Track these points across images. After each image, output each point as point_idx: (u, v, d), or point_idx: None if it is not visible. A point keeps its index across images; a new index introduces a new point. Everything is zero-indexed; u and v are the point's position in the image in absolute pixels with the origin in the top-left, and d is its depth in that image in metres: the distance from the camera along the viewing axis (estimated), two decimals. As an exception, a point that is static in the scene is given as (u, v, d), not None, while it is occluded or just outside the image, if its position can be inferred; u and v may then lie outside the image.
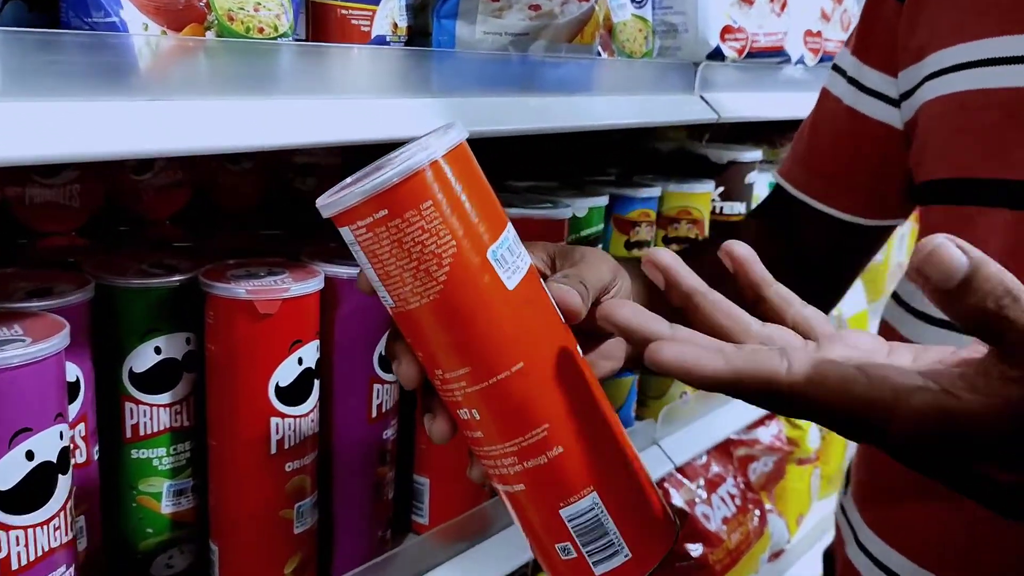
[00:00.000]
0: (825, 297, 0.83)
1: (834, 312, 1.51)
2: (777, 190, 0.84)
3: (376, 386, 0.74)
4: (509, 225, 0.44)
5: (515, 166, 1.12)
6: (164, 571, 0.71)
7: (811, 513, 1.55)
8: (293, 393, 0.67)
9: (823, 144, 0.79)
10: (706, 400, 1.17)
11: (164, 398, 0.67)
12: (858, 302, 1.52)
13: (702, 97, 0.99)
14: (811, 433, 1.52)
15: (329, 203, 0.41)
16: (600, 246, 0.98)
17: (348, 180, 0.43)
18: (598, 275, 0.50)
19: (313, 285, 0.67)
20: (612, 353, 0.52)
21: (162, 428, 0.68)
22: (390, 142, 0.64)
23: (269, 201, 0.94)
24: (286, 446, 0.67)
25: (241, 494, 0.68)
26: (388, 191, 0.40)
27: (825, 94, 0.79)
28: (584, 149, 1.30)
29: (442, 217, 0.41)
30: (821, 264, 0.81)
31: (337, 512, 0.75)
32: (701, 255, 0.70)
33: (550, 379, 0.44)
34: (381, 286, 0.43)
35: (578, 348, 0.46)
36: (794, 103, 1.16)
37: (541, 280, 0.46)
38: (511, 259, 0.43)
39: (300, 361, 0.67)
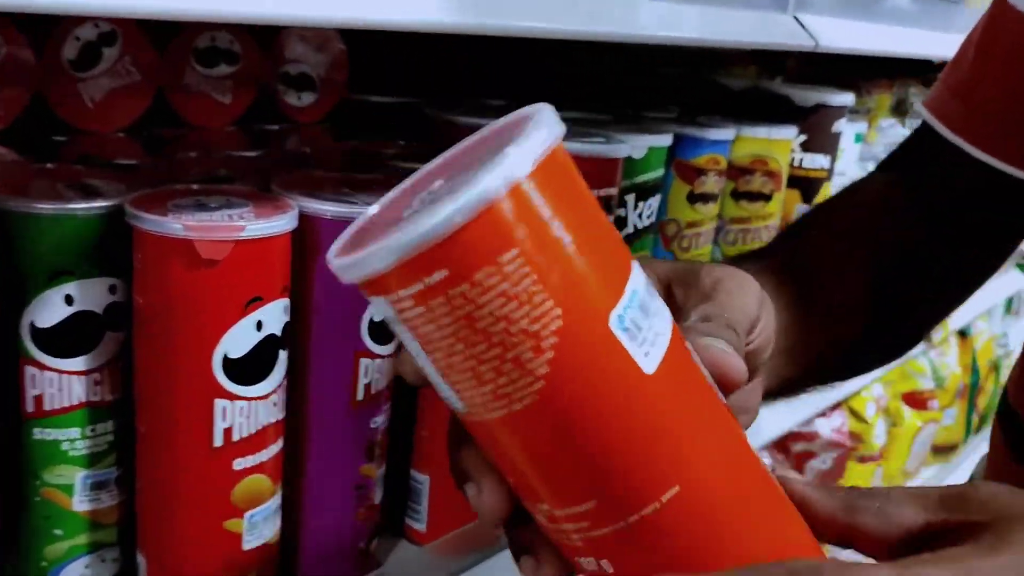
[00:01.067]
0: (979, 271, 0.66)
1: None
2: (921, 130, 0.65)
3: (364, 361, 0.56)
4: (635, 268, 0.29)
5: (556, 95, 0.93)
6: (78, 583, 0.55)
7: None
8: (248, 368, 0.50)
9: (995, 73, 0.60)
10: (767, 388, 0.99)
11: (77, 363, 0.50)
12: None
13: (796, 18, 0.79)
14: (877, 428, 1.34)
15: (349, 264, 0.26)
16: (658, 196, 0.79)
17: (374, 210, 0.30)
18: (745, 312, 0.36)
19: (281, 224, 0.50)
20: (749, 404, 0.38)
21: (75, 403, 0.51)
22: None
23: (251, 118, 0.76)
24: (235, 437, 0.51)
25: (173, 497, 0.51)
26: (444, 243, 0.25)
27: (1002, 6, 0.59)
28: (639, 82, 1.11)
29: (536, 273, 0.26)
30: (975, 229, 0.63)
31: (307, 522, 0.58)
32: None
33: (720, 503, 0.29)
34: (443, 384, 0.28)
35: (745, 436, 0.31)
36: (902, 39, 0.96)
37: (687, 343, 0.31)
38: (645, 323, 0.28)
39: (259, 326, 0.50)
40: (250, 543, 0.53)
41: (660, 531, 0.29)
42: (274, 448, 0.53)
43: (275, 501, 0.55)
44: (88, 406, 0.51)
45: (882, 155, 1.24)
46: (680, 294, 0.38)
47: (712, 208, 0.85)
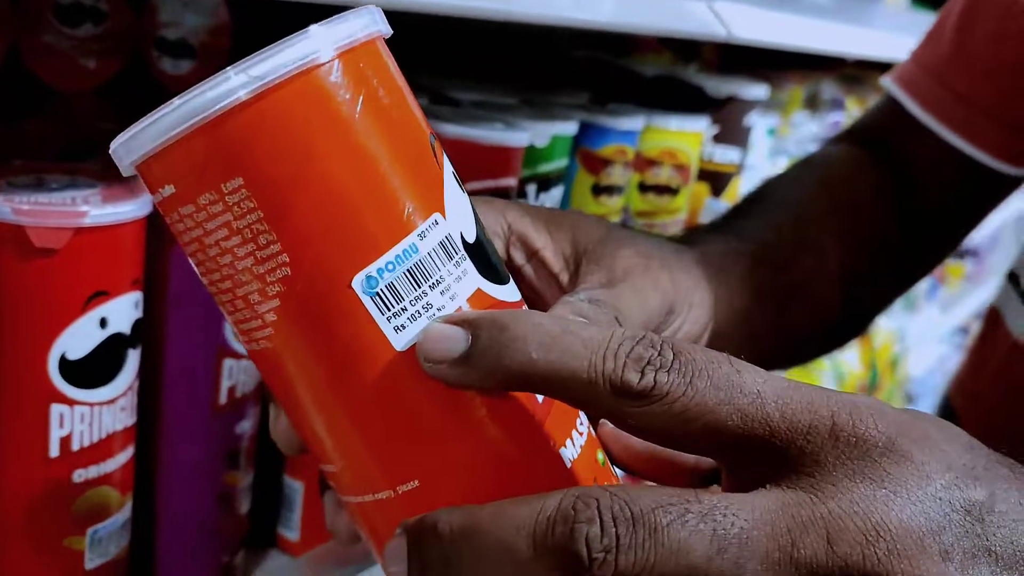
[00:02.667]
0: (932, 256, 0.66)
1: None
2: (888, 104, 0.62)
3: (229, 362, 0.51)
4: (435, 221, 0.25)
5: (461, 75, 0.88)
6: None
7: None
8: (90, 369, 0.44)
9: (976, 49, 0.57)
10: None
11: None
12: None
13: (710, 7, 0.76)
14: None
15: (116, 146, 0.26)
16: (561, 187, 0.75)
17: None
18: (642, 311, 0.34)
19: (131, 210, 0.44)
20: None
21: None
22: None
23: (119, 85, 0.69)
24: (75, 446, 0.45)
25: (4, 510, 0.45)
26: (170, 151, 0.24)
27: None
28: (548, 64, 1.07)
29: (263, 210, 0.24)
30: (935, 211, 0.62)
31: (162, 536, 0.53)
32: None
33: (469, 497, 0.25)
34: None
35: (567, 449, 0.27)
36: (818, 33, 0.94)
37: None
38: (411, 293, 0.25)
39: (103, 323, 0.44)
40: (93, 561, 0.48)
41: (388, 516, 0.26)
42: (122, 457, 0.48)
43: (123, 515, 0.49)
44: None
45: (794, 150, 1.23)
46: (587, 268, 0.35)
47: (617, 201, 0.81)
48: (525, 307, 0.29)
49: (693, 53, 1.21)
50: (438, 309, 0.25)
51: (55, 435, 0.44)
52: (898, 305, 1.85)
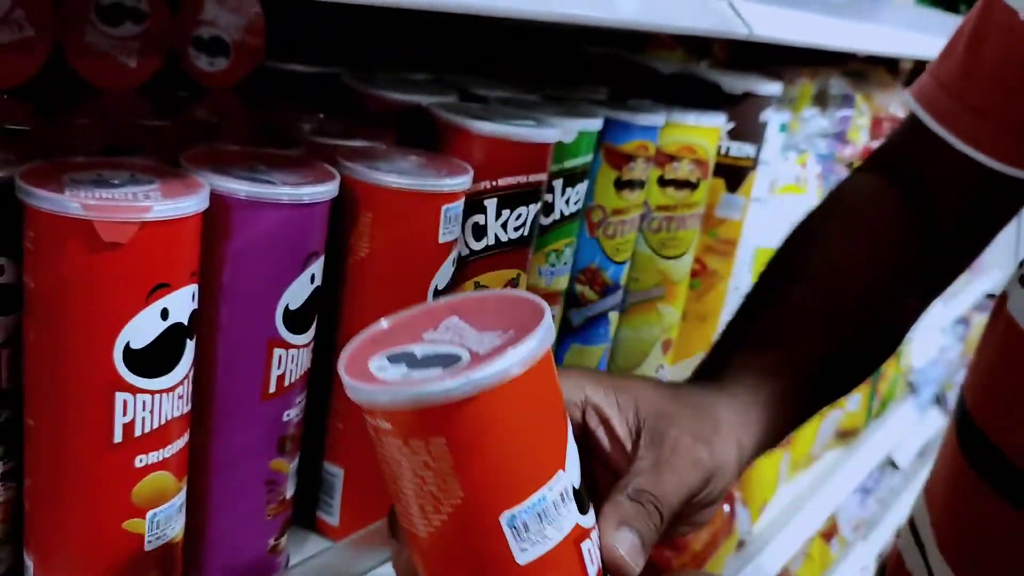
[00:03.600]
0: (958, 263, 0.68)
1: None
2: (909, 121, 0.66)
3: (278, 351, 0.53)
4: (560, 477, 0.37)
5: (481, 72, 0.90)
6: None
7: (776, 498, 1.40)
8: (152, 359, 0.46)
9: (984, 67, 0.60)
10: (686, 375, 0.99)
11: (-42, 350, 0.46)
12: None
13: (731, 5, 0.78)
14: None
15: (352, 389, 0.36)
16: (586, 182, 0.77)
17: (384, 324, 0.41)
18: (681, 486, 0.45)
19: (191, 205, 0.45)
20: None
21: (-49, 393, 0.47)
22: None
23: (158, 83, 0.70)
24: (137, 432, 0.46)
25: (67, 495, 0.47)
26: (397, 410, 0.35)
27: (992, 2, 0.60)
28: (566, 61, 1.09)
29: (452, 461, 0.35)
30: (956, 223, 0.64)
31: (214, 518, 0.55)
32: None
33: None
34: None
35: None
36: (831, 30, 0.96)
37: (583, 546, 0.38)
38: (537, 527, 0.36)
39: (164, 314, 0.46)
40: (152, 543, 0.49)
41: None
42: (179, 443, 0.50)
43: (179, 499, 0.51)
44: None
45: (803, 145, 1.25)
46: (645, 448, 0.45)
47: (639, 195, 0.83)
48: (596, 529, 0.41)
49: (705, 50, 1.23)
50: (549, 538, 0.36)
51: (119, 421, 0.46)
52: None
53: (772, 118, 1.00)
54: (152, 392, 0.46)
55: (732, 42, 1.28)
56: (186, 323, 0.47)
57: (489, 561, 0.36)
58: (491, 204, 0.66)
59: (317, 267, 0.53)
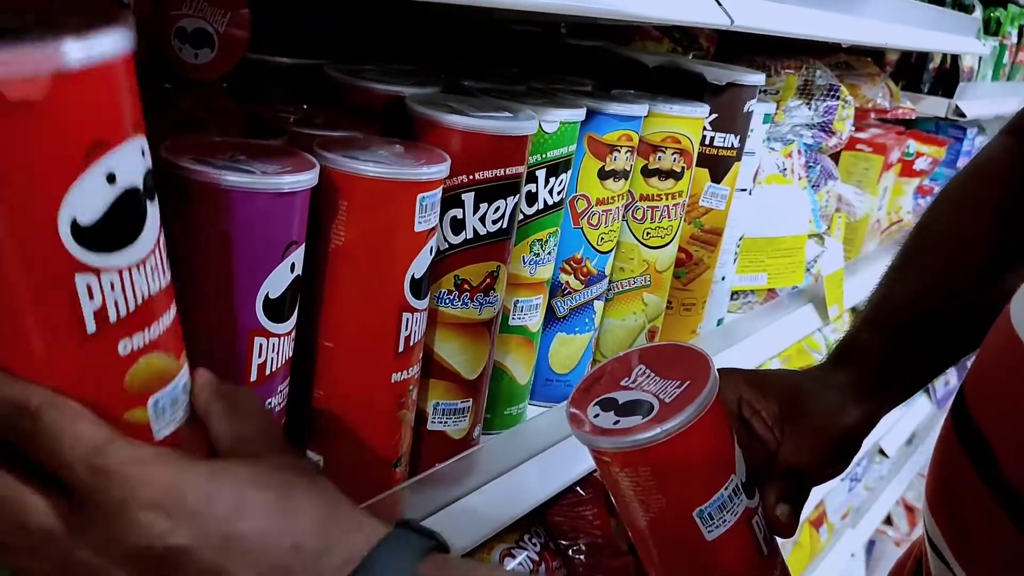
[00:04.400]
0: None
1: (812, 270, 1.35)
2: None
3: (259, 340, 0.53)
4: (732, 478, 0.52)
5: (465, 64, 0.90)
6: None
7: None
8: (108, 232, 0.38)
9: None
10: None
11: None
12: (836, 261, 1.36)
13: (712, -4, 0.78)
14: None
15: (577, 435, 0.52)
16: (570, 171, 0.78)
17: (592, 377, 0.56)
18: (819, 460, 0.62)
19: (114, 43, 0.36)
20: None
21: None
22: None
23: (140, 74, 0.71)
24: (112, 317, 0.39)
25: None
26: (616, 453, 0.51)
27: None
28: (551, 53, 1.09)
29: (656, 480, 0.50)
30: None
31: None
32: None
33: None
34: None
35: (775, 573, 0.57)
36: (814, 21, 0.96)
37: (752, 521, 0.54)
38: (719, 515, 0.52)
39: (111, 179, 0.38)
40: (161, 431, 0.43)
41: None
42: (166, 320, 0.43)
43: (182, 378, 0.45)
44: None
45: (789, 136, 1.25)
46: (786, 436, 0.61)
47: (623, 185, 0.84)
48: (760, 505, 0.56)
49: (692, 41, 1.23)
50: (727, 521, 0.52)
51: (88, 308, 0.38)
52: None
53: (756, 109, 1.00)
54: (118, 269, 0.39)
55: (719, 35, 1.29)
56: (140, 186, 0.39)
57: (686, 540, 0.52)
58: (468, 198, 0.66)
59: (297, 256, 0.54)
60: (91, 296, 0.38)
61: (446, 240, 0.66)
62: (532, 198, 0.75)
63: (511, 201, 0.68)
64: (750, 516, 0.54)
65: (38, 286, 0.37)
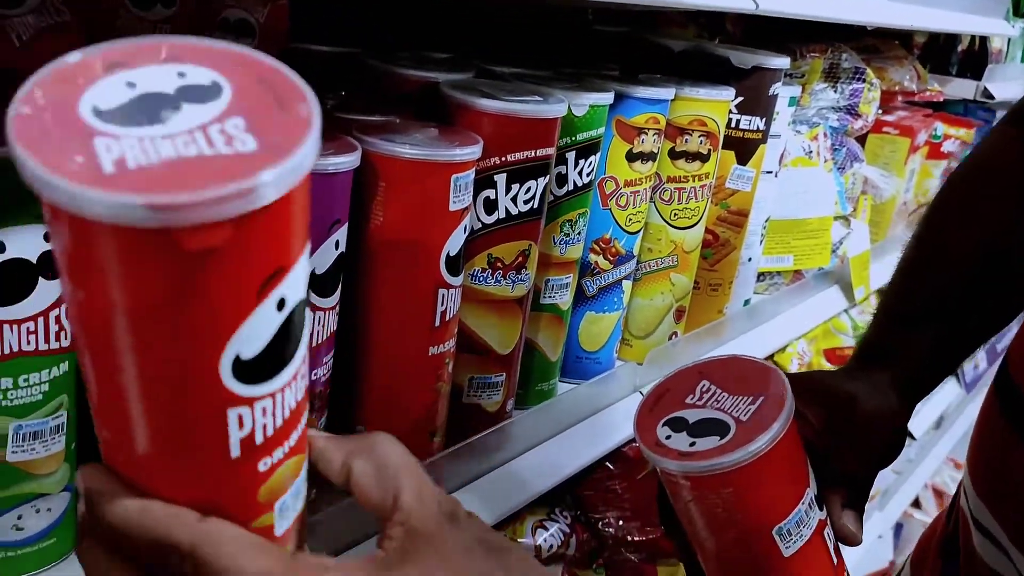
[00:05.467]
0: None
1: (839, 252, 1.36)
2: None
3: (307, 313, 0.56)
4: (807, 493, 0.52)
5: (496, 51, 0.93)
6: (11, 533, 0.54)
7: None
8: (267, 360, 0.33)
9: None
10: (698, 343, 1.02)
11: (9, 312, 0.49)
12: (862, 242, 1.38)
13: (737, -19, 0.80)
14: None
15: (653, 459, 0.51)
16: (599, 154, 0.80)
17: (664, 380, 0.57)
18: (870, 456, 0.63)
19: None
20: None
21: (6, 352, 0.50)
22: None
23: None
24: (259, 440, 0.34)
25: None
26: (698, 476, 0.50)
27: None
28: (578, 40, 1.11)
29: (735, 502, 0.50)
30: None
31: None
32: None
33: None
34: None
35: None
36: (840, 4, 0.97)
37: (824, 533, 0.54)
38: (796, 530, 0.51)
39: (281, 304, 0.34)
40: (282, 527, 0.39)
41: None
42: (301, 425, 0.38)
43: (303, 472, 0.39)
44: (21, 356, 0.50)
45: (815, 119, 1.27)
46: (834, 428, 0.61)
47: (650, 167, 0.86)
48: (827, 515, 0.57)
49: (718, 26, 1.25)
50: (804, 536, 0.52)
51: (235, 437, 0.34)
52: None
53: (781, 92, 1.02)
54: (272, 394, 0.34)
55: (744, 19, 1.30)
56: (304, 298, 0.35)
57: (764, 559, 0.51)
58: (501, 179, 0.69)
59: (341, 234, 0.57)
60: (241, 426, 0.34)
61: (479, 220, 0.69)
62: (562, 180, 0.77)
63: (542, 182, 0.70)
64: (823, 528, 0.54)
65: (189, 423, 0.33)
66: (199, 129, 0.28)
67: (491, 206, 0.69)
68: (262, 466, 0.36)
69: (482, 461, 0.75)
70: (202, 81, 0.29)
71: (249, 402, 0.33)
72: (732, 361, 0.55)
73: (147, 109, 0.28)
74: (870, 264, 1.40)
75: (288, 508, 0.39)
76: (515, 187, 0.69)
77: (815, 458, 0.59)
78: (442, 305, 0.65)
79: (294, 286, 0.32)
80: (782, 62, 0.98)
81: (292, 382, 0.35)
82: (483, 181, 0.67)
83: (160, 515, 0.33)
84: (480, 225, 0.69)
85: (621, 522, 0.97)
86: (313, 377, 0.59)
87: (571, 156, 0.77)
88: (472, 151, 0.62)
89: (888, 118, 1.50)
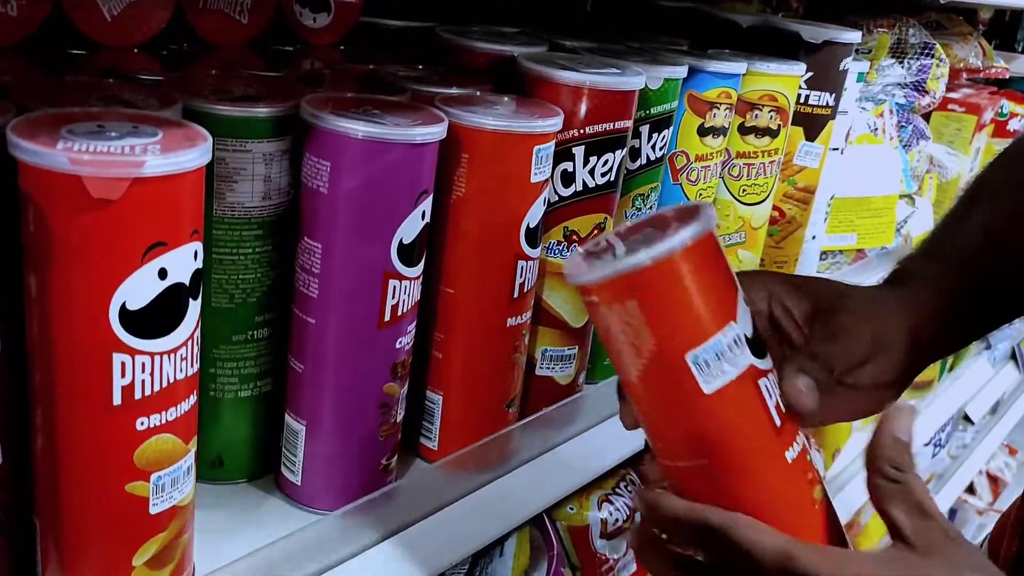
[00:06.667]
0: None
1: (903, 231, 1.35)
2: None
3: (392, 283, 0.57)
4: (731, 326, 0.45)
5: (565, 26, 0.93)
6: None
7: (849, 446, 1.42)
8: (151, 320, 0.44)
9: None
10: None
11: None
12: (926, 222, 1.36)
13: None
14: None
15: (567, 272, 0.47)
16: (671, 128, 0.80)
17: (606, 236, 0.48)
18: (849, 355, 0.54)
19: (191, 160, 0.43)
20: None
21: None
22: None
23: (265, 38, 0.75)
24: (138, 395, 0.45)
25: (68, 457, 0.46)
26: (600, 284, 0.44)
27: None
28: (644, 16, 1.11)
29: (643, 317, 0.44)
30: None
31: (332, 438, 0.60)
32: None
33: (735, 482, 0.46)
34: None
35: (791, 452, 0.48)
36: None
37: (760, 383, 0.46)
38: (716, 364, 0.45)
39: (163, 274, 0.44)
40: (157, 506, 0.48)
41: (691, 479, 0.47)
42: (184, 406, 0.48)
43: (186, 462, 0.49)
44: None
45: (881, 95, 1.25)
46: (817, 328, 0.55)
47: (721, 142, 0.86)
48: (775, 372, 0.49)
49: (781, 2, 1.23)
50: (726, 373, 0.45)
51: (117, 384, 0.44)
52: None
53: (851, 67, 1.00)
54: (152, 354, 0.44)
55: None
56: (187, 283, 0.45)
57: (682, 392, 0.45)
58: (579, 151, 0.69)
59: (427, 204, 0.57)
60: (123, 374, 0.44)
61: (556, 193, 0.69)
62: (635, 153, 0.77)
63: (619, 154, 0.70)
64: (757, 376, 0.46)
65: (81, 354, 0.44)
66: (131, 144, 0.42)
67: (568, 179, 0.69)
68: (139, 424, 0.45)
69: (554, 433, 0.76)
70: (147, 130, 0.45)
71: (131, 352, 0.44)
72: (677, 208, 0.49)
73: (104, 134, 0.43)
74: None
75: (165, 491, 0.48)
76: (593, 159, 0.69)
77: (785, 343, 0.55)
78: (521, 277, 0.65)
79: (177, 266, 0.44)
80: (853, 36, 0.97)
81: (172, 354, 0.45)
82: (561, 153, 0.68)
83: (699, 507, 0.46)
84: (557, 198, 0.70)
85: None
86: (397, 346, 0.59)
87: (645, 130, 0.77)
88: (554, 123, 0.62)
89: (954, 95, 1.47)
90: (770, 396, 0.47)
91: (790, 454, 0.47)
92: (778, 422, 0.47)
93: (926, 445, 1.81)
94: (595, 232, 0.72)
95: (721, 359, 0.45)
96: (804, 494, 0.48)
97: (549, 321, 0.73)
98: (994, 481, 2.49)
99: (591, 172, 0.69)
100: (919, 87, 1.24)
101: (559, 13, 1.01)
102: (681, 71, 0.77)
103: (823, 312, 0.55)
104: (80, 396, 0.44)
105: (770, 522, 0.46)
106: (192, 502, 0.51)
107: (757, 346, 0.47)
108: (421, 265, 0.59)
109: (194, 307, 0.46)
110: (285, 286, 0.59)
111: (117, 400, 0.44)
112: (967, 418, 1.99)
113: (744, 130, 0.90)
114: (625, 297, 0.44)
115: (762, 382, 0.47)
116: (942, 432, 1.89)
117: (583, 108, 0.68)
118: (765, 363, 0.48)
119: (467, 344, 0.66)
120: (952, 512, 2.32)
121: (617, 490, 0.93)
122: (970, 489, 2.37)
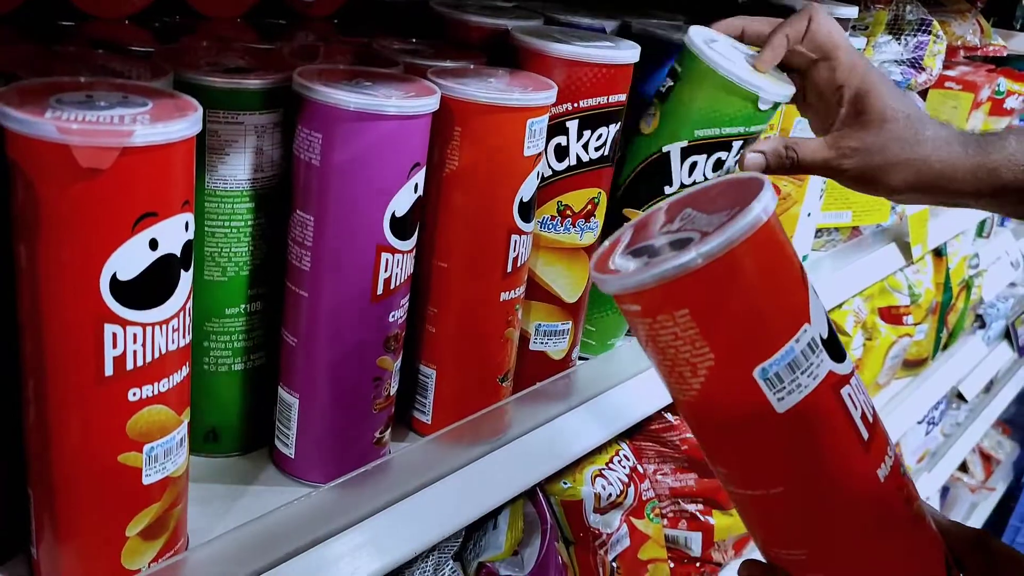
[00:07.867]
0: None
1: (897, 209, 1.34)
2: None
3: (385, 256, 0.57)
4: (805, 329, 0.38)
5: (558, 2, 0.92)
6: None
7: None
8: (142, 290, 0.44)
9: None
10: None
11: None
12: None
13: (810, -74, 0.79)
14: (855, 341, 1.37)
15: (598, 279, 0.40)
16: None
17: (629, 227, 0.43)
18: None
19: (180, 130, 0.43)
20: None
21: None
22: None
23: (258, 11, 0.74)
24: (130, 366, 0.45)
25: (61, 427, 0.46)
26: (642, 291, 0.37)
27: None
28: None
29: (698, 328, 0.37)
30: None
31: (326, 410, 0.60)
32: None
33: (818, 511, 0.41)
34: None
35: (882, 469, 0.41)
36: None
37: (842, 392, 0.40)
38: (789, 376, 0.38)
39: (153, 244, 0.44)
40: (150, 476, 0.48)
41: (765, 507, 0.42)
42: (177, 377, 0.48)
43: (179, 433, 0.49)
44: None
45: (877, 71, 1.24)
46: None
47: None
48: (856, 376, 0.42)
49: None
50: (804, 386, 0.38)
51: (109, 354, 0.44)
52: (972, 231, 1.86)
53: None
54: (143, 325, 0.44)
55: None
56: (179, 254, 0.45)
57: (750, 413, 0.38)
58: (572, 125, 0.69)
59: (420, 177, 0.57)
60: (115, 344, 0.44)
61: (550, 167, 0.69)
62: (718, 164, 0.76)
63: (613, 128, 0.70)
64: (838, 384, 0.39)
65: (72, 325, 0.43)
66: (121, 114, 0.42)
67: (562, 153, 0.69)
68: (131, 395, 0.45)
69: (548, 408, 0.76)
70: (137, 100, 0.44)
71: (123, 323, 0.44)
72: (721, 183, 0.42)
73: (93, 104, 0.43)
74: (928, 222, 1.38)
75: (158, 461, 0.48)
76: (587, 133, 0.69)
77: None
78: (514, 251, 0.65)
79: (168, 237, 0.44)
80: (849, 11, 0.97)
81: (164, 325, 0.45)
82: (555, 127, 0.67)
83: None
84: (550, 172, 0.69)
85: (678, 473, 0.98)
86: (391, 319, 0.59)
87: (737, 145, 0.76)
88: (547, 96, 0.62)
89: (950, 73, 1.46)
90: (855, 407, 0.40)
91: (882, 472, 0.41)
92: (866, 435, 0.40)
93: (919, 423, 1.81)
94: (589, 207, 0.72)
95: (795, 370, 0.38)
96: (901, 517, 0.42)
97: (543, 296, 0.74)
98: (987, 459, 2.51)
99: (585, 146, 0.69)
100: (916, 64, 1.23)
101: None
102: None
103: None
104: (72, 367, 0.44)
105: (862, 554, 0.41)
106: (186, 473, 0.51)
107: (834, 347, 0.40)
108: (414, 238, 0.59)
109: (185, 278, 0.46)
110: (278, 259, 0.59)
111: (109, 371, 0.44)
112: (961, 396, 2.00)
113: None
114: (674, 306, 0.37)
115: (844, 391, 0.40)
116: (935, 410, 1.89)
117: (577, 82, 0.67)
118: (845, 367, 0.40)
119: (460, 318, 0.66)
120: (945, 490, 2.33)
121: (611, 465, 0.93)
122: (963, 467, 2.38)
